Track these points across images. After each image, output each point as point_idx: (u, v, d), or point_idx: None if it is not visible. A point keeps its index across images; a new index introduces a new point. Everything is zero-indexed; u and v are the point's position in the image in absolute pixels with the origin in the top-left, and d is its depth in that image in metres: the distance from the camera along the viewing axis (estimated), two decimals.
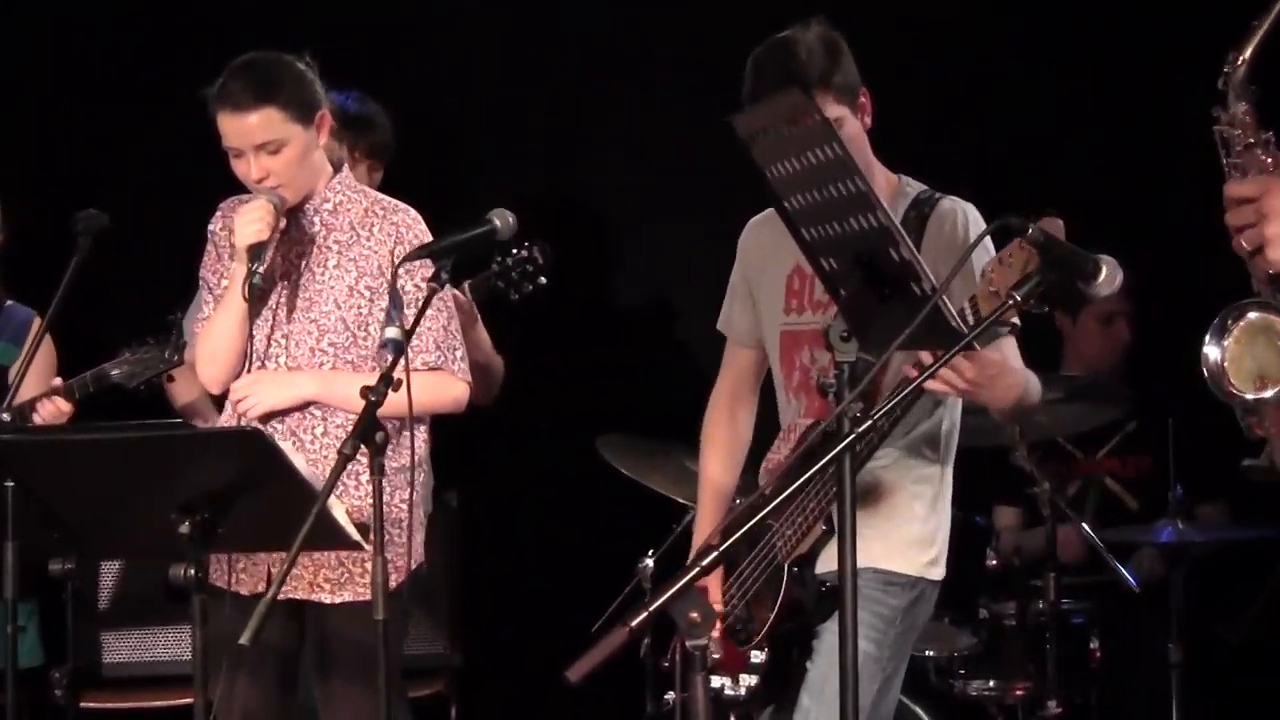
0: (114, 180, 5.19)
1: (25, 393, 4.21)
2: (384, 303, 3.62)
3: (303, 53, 3.71)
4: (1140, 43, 5.16)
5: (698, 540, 3.61)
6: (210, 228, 3.78)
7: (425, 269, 3.52)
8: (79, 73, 5.34)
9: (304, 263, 3.69)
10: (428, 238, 3.66)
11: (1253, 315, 2.50)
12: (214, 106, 3.62)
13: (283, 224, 3.67)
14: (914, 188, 3.47)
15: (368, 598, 3.39)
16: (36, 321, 4.46)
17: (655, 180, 5.35)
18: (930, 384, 3.02)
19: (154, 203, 5.09)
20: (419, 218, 3.72)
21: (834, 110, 3.30)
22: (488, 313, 4.28)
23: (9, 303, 4.51)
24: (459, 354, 3.72)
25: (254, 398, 3.63)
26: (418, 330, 3.56)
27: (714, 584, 3.48)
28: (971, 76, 5.23)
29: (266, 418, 3.65)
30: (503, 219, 3.46)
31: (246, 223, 3.60)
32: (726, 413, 3.66)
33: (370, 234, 3.68)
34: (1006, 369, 3.26)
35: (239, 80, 3.60)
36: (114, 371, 4.13)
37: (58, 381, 4.16)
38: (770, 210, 3.55)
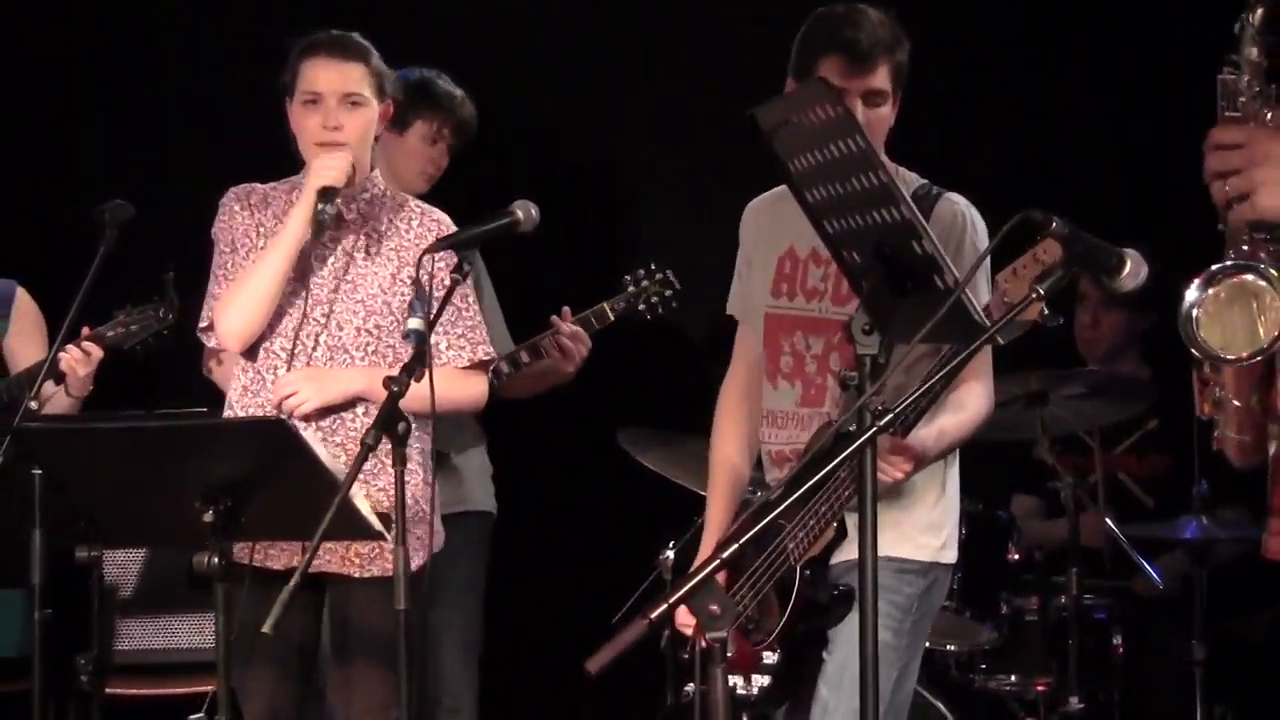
0: (108, 167, 5.21)
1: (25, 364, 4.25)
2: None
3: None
4: (1143, 34, 5.15)
5: (712, 525, 3.62)
6: (224, 200, 3.79)
7: (449, 262, 3.51)
8: (78, 61, 5.36)
9: (341, 247, 3.73)
10: None
11: (1241, 278, 2.45)
12: (305, 54, 3.72)
13: (351, 178, 3.71)
14: (912, 180, 3.48)
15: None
16: (20, 292, 4.50)
17: (678, 172, 5.35)
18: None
19: (154, 187, 5.07)
20: (450, 223, 3.78)
21: (882, 82, 3.40)
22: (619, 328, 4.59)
23: None
24: (486, 350, 3.77)
25: (303, 394, 3.62)
26: (452, 329, 3.66)
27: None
28: (973, 73, 5.22)
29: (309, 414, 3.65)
30: (525, 211, 3.48)
31: (324, 165, 3.66)
32: (740, 398, 3.65)
33: (410, 228, 3.74)
34: (929, 449, 3.31)
35: (340, 35, 3.74)
36: (109, 334, 4.16)
37: (86, 330, 4.18)
38: (770, 193, 3.62)
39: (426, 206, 3.82)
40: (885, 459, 3.18)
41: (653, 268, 4.63)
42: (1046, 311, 2.78)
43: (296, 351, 3.68)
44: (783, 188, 3.50)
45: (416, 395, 3.28)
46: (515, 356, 4.45)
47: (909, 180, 3.45)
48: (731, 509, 3.63)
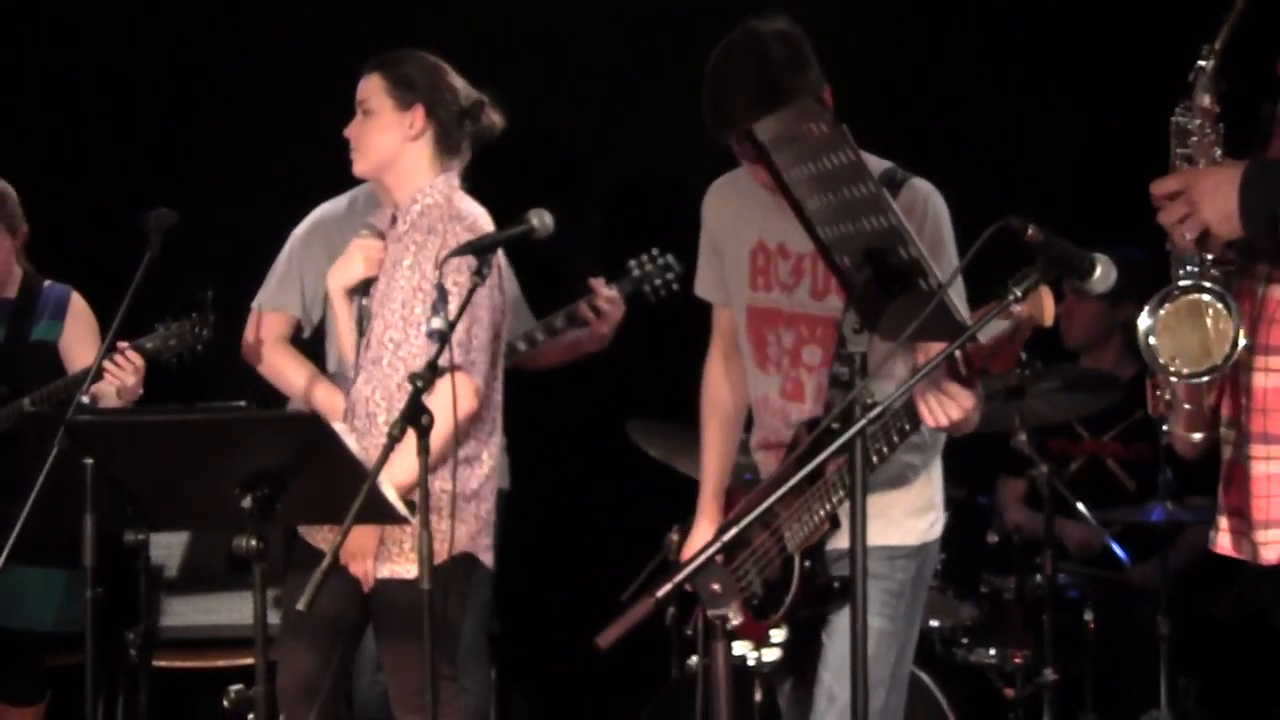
0: (157, 174, 5.29)
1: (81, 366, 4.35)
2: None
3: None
4: (1115, 37, 5.20)
5: (705, 502, 3.65)
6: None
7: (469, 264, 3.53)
8: (135, 69, 5.40)
9: (391, 259, 3.83)
10: None
11: (1192, 297, 2.60)
12: None
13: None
14: (878, 164, 3.39)
15: (404, 575, 3.61)
16: (74, 296, 4.65)
17: (687, 163, 5.38)
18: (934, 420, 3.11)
19: (206, 195, 5.19)
20: (474, 226, 3.75)
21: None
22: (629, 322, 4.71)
23: (47, 283, 4.68)
24: (481, 360, 3.74)
25: None
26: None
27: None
28: (939, 69, 5.25)
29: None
30: (540, 218, 3.51)
31: (358, 257, 3.83)
32: (722, 375, 3.66)
33: (443, 243, 3.73)
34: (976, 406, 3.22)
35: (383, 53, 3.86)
36: (148, 345, 4.26)
37: (125, 345, 4.27)
38: (730, 174, 3.60)
39: (457, 212, 3.76)
40: (948, 393, 3.06)
41: (654, 252, 4.72)
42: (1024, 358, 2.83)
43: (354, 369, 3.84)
44: (743, 170, 3.53)
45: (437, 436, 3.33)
46: (550, 323, 4.53)
47: (873, 165, 3.25)
48: (728, 456, 3.66)
